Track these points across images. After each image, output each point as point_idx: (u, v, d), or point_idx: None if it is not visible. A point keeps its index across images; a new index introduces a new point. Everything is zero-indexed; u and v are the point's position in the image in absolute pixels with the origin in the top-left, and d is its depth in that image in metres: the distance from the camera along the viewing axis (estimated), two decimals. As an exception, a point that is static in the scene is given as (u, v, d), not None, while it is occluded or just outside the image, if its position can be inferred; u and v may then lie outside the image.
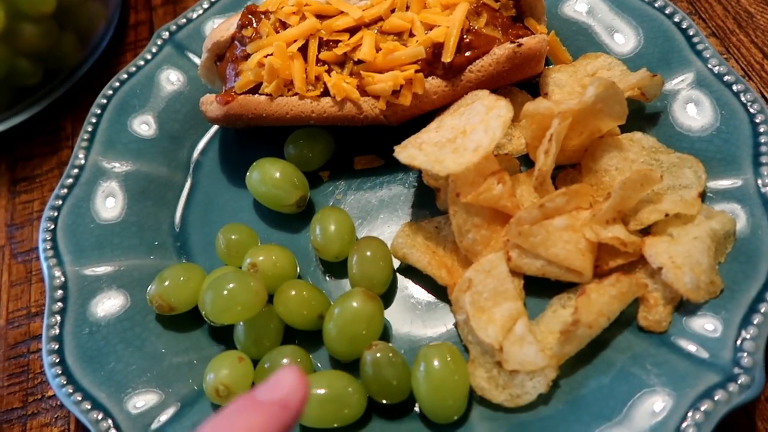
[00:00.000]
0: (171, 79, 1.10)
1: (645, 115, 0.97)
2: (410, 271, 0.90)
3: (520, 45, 0.92)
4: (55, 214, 0.95)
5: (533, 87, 1.02)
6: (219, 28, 1.02)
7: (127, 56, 1.27)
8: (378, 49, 0.93)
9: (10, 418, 0.88)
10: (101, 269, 0.90)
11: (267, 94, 0.94)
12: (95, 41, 1.25)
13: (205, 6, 1.16)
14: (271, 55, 0.93)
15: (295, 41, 0.94)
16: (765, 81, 1.08)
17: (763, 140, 0.88)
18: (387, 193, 0.98)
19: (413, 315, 0.87)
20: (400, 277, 0.90)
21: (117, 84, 1.08)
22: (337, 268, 0.91)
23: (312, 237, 0.89)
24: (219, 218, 0.99)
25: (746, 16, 1.14)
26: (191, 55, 1.12)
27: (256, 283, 0.79)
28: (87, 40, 1.23)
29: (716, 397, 0.71)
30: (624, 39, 1.03)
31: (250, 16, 0.98)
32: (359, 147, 1.02)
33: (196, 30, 1.15)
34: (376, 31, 0.94)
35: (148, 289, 0.86)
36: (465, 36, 0.92)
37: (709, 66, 0.96)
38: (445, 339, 0.84)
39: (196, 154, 1.05)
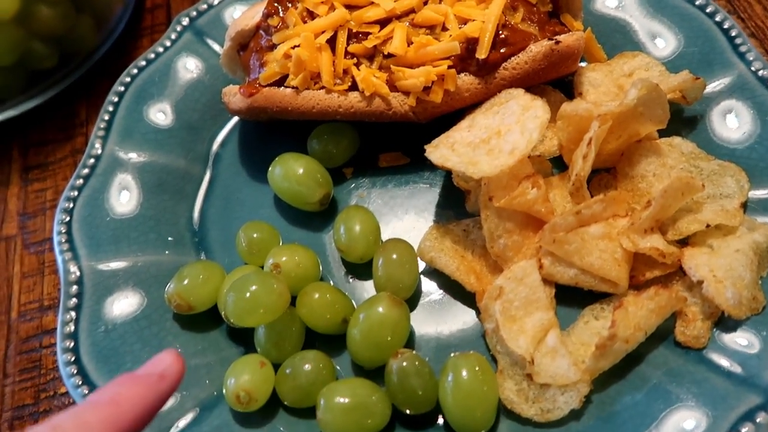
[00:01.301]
0: (190, 68, 1.06)
1: (684, 118, 0.93)
2: (436, 274, 0.87)
3: (558, 42, 0.88)
4: (71, 205, 0.92)
5: (566, 86, 0.98)
6: (243, 15, 0.98)
7: (143, 41, 1.24)
8: (409, 43, 0.89)
9: (21, 414, 0.85)
10: (117, 264, 0.87)
11: (293, 87, 0.91)
12: (112, 25, 1.21)
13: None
14: (298, 46, 0.89)
15: (323, 32, 0.91)
16: (806, 86, 1.04)
17: (808, 149, 0.85)
18: (412, 193, 0.95)
19: (439, 320, 0.84)
20: (425, 280, 0.87)
21: (135, 71, 1.04)
22: (360, 270, 0.88)
23: (336, 237, 0.86)
24: (239, 214, 0.95)
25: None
26: (212, 43, 1.09)
27: (279, 284, 0.76)
28: (104, 23, 1.19)
29: (758, 420, 0.69)
30: (662, 38, 0.99)
31: (276, 5, 0.94)
32: (384, 143, 0.98)
33: (216, 16, 1.11)
34: (407, 24, 0.91)
35: (167, 287, 0.83)
36: (500, 31, 0.88)
37: (753, 69, 0.92)
38: (472, 347, 0.81)
39: (215, 146, 1.02)
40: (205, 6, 1.12)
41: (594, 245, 0.78)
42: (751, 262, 0.76)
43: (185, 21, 1.10)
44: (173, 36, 1.09)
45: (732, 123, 0.90)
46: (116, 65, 1.18)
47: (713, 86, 0.93)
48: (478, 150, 0.81)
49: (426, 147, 0.83)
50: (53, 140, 1.12)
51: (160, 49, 1.06)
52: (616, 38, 1.02)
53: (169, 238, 0.92)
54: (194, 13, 1.11)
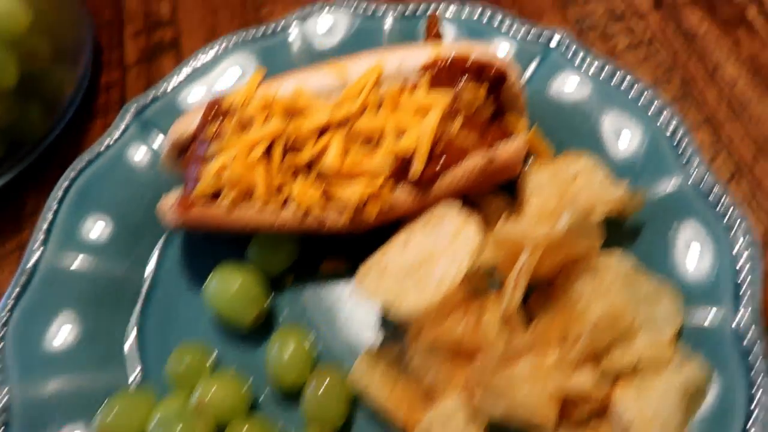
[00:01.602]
0: (135, 162, 1.04)
1: (626, 227, 0.92)
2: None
3: (492, 160, 0.87)
4: (5, 319, 0.90)
5: (512, 184, 0.96)
6: (184, 119, 0.97)
7: (96, 122, 1.22)
8: (347, 151, 0.88)
9: None
10: (49, 389, 0.86)
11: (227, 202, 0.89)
12: (64, 106, 1.20)
13: (176, 82, 1.10)
14: (233, 159, 0.88)
15: (259, 142, 0.89)
16: (757, 181, 1.03)
17: (743, 271, 0.83)
18: (354, 302, 0.94)
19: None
20: (360, 405, 0.86)
21: (76, 171, 1.02)
22: (294, 393, 0.87)
23: (268, 363, 0.85)
24: (177, 324, 0.94)
25: (742, 102, 1.09)
26: (157, 135, 1.07)
27: (200, 427, 0.75)
28: (54, 107, 1.18)
29: None
30: (609, 136, 0.98)
31: (212, 113, 0.93)
32: (326, 247, 0.97)
33: (167, 104, 1.08)
34: (346, 131, 0.89)
35: (92, 422, 0.82)
36: (437, 145, 0.87)
37: (695, 179, 0.91)
38: (402, 479, 0.80)
39: (157, 248, 1.01)
40: (153, 94, 1.09)
41: (521, 386, 0.76)
42: (680, 403, 0.75)
43: (132, 110, 1.08)
44: (120, 127, 1.06)
45: (671, 236, 0.89)
46: (67, 150, 1.17)
47: (656, 192, 0.92)
48: (407, 280, 0.80)
49: (358, 273, 0.82)
50: (0, 232, 1.11)
51: (103, 147, 1.04)
52: (562, 133, 1.00)
53: (106, 357, 0.91)
54: (143, 102, 1.08)
